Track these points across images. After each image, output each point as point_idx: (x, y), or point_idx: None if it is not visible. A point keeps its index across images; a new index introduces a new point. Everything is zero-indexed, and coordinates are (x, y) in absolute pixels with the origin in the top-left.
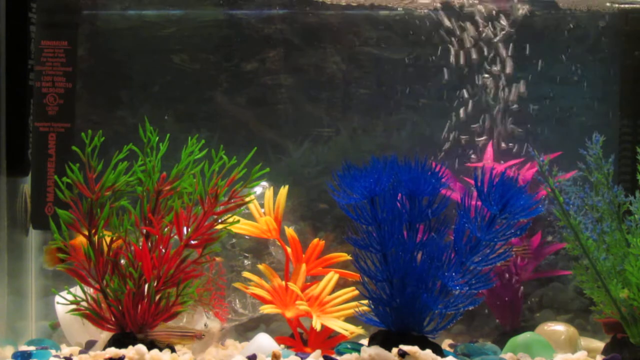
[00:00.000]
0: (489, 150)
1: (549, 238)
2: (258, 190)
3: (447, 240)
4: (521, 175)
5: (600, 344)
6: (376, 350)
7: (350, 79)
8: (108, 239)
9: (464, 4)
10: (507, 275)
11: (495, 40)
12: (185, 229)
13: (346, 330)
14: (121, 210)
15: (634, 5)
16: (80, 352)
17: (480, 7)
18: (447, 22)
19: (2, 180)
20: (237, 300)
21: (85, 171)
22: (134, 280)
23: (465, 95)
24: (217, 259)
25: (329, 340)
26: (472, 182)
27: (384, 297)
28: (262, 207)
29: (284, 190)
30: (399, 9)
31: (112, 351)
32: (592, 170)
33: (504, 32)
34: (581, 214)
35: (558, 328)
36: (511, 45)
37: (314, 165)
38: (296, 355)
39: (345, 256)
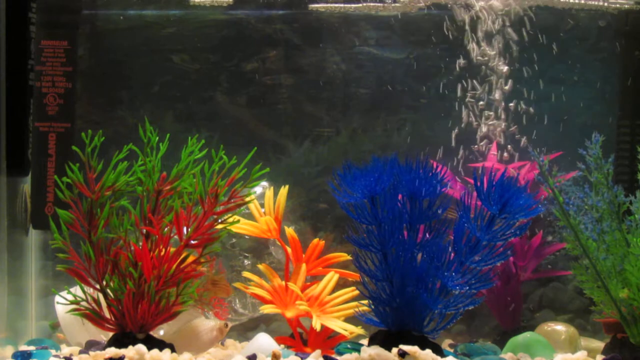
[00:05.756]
0: (493, 150)
1: (549, 238)
2: (258, 190)
3: (447, 240)
4: (521, 176)
5: (600, 344)
6: (376, 350)
7: (350, 79)
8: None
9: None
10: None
11: (494, 39)
12: (185, 229)
13: (346, 330)
14: (121, 210)
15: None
16: (80, 352)
17: (478, 5)
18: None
19: (2, 180)
20: (237, 300)
21: (85, 171)
22: (134, 280)
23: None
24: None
25: (329, 340)
26: (472, 181)
27: (384, 297)
28: (262, 207)
29: (284, 190)
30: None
31: (112, 351)
32: (592, 170)
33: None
34: (581, 214)
35: (558, 328)
36: (511, 44)
37: (314, 165)
38: (296, 355)
39: (345, 256)
